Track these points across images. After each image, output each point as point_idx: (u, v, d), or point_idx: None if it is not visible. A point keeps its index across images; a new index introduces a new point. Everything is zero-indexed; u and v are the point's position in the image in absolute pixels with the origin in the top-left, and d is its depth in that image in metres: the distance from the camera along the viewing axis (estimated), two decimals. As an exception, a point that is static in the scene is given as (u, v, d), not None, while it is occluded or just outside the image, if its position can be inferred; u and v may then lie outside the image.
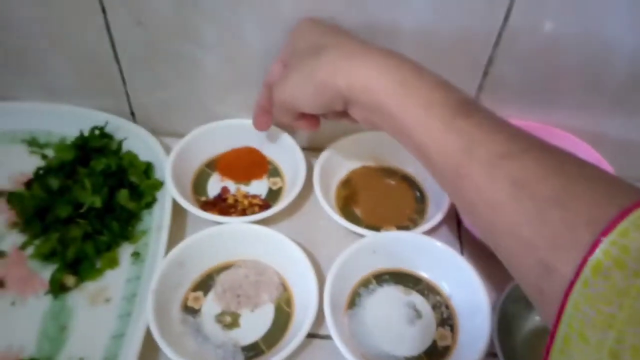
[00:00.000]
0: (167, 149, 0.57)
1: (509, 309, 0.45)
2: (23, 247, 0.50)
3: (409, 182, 0.58)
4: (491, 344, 0.43)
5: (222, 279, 0.49)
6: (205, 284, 0.49)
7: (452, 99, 0.35)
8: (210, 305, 0.47)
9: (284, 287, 0.49)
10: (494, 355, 0.43)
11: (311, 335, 0.46)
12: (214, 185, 0.57)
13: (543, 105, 0.55)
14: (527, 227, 0.28)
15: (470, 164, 0.32)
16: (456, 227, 0.55)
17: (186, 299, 0.48)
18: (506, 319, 0.44)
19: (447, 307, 0.48)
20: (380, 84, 0.36)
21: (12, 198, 0.52)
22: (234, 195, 0.56)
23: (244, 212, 0.54)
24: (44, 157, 0.57)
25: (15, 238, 0.51)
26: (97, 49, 0.54)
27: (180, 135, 0.57)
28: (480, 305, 0.44)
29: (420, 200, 0.56)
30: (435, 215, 0.52)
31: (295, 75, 0.41)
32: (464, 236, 0.54)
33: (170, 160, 0.54)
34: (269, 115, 0.51)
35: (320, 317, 0.44)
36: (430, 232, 0.51)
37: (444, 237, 0.54)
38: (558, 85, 0.53)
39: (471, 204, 0.32)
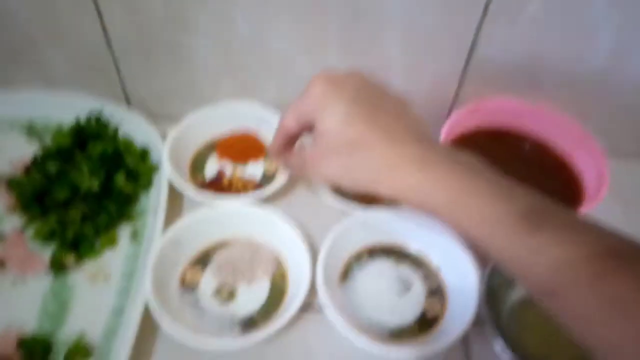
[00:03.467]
0: (163, 133, 0.58)
1: (496, 280, 0.46)
2: (23, 229, 0.51)
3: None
4: (478, 314, 0.44)
5: (218, 257, 0.50)
6: (202, 261, 0.50)
7: (515, 211, 0.32)
8: (208, 281, 0.49)
9: (279, 264, 0.50)
10: (482, 324, 0.45)
11: (305, 309, 0.47)
12: (212, 166, 0.58)
13: (528, 84, 0.56)
14: (631, 346, 0.27)
15: (556, 285, 0.30)
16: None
17: (184, 276, 0.49)
18: (493, 289, 0.46)
19: (436, 278, 0.49)
20: (429, 201, 0.35)
21: (12, 183, 0.53)
22: (229, 179, 0.57)
23: (237, 194, 0.55)
24: (42, 143, 0.58)
25: (14, 221, 0.52)
26: (91, 37, 0.55)
27: (176, 118, 0.58)
28: (468, 276, 0.46)
29: (411, 179, 0.58)
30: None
31: (329, 163, 0.39)
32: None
33: (167, 145, 0.55)
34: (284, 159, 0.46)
35: (314, 291, 0.45)
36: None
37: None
38: (542, 62, 0.54)
39: (564, 316, 0.31)
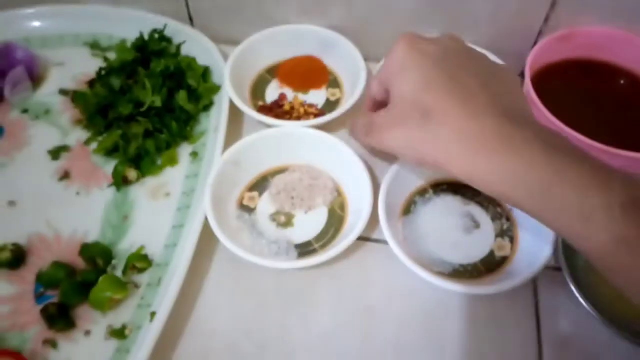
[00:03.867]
0: (225, 56, 0.56)
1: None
2: (87, 142, 0.52)
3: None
4: (555, 258, 0.41)
5: (276, 181, 0.49)
6: (260, 185, 0.49)
7: (614, 202, 0.27)
8: (265, 205, 0.48)
9: (338, 192, 0.48)
10: (557, 269, 0.42)
11: (364, 239, 0.45)
12: (272, 91, 0.57)
13: (634, 12, 0.50)
14: None
15: None
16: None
17: (242, 198, 0.48)
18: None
19: (508, 219, 0.46)
20: (511, 191, 0.30)
21: (77, 97, 0.54)
22: (290, 103, 0.55)
23: (299, 120, 0.53)
24: (106, 59, 0.58)
25: (79, 134, 0.53)
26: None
27: (238, 42, 0.56)
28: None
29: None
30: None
31: (395, 134, 0.35)
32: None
33: (229, 64, 0.54)
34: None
35: (373, 222, 0.43)
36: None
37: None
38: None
39: None
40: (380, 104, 0.39)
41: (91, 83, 0.55)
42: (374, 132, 0.38)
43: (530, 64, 0.48)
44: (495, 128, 0.30)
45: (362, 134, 0.40)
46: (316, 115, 0.53)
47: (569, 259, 0.41)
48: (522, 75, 0.53)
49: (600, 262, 0.28)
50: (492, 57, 0.53)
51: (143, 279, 0.43)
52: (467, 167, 0.31)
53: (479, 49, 0.53)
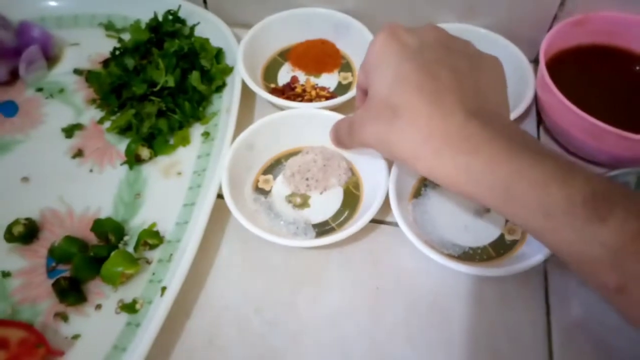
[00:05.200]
0: (238, 39, 0.56)
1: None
2: (101, 121, 0.52)
3: (487, 79, 0.55)
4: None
5: (290, 163, 0.49)
6: (274, 168, 0.49)
7: (575, 197, 0.27)
8: (280, 188, 0.48)
9: (352, 172, 0.48)
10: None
11: (375, 221, 0.45)
12: (284, 74, 0.57)
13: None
14: None
15: (626, 282, 0.26)
16: (536, 125, 0.52)
17: (257, 181, 0.48)
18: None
19: (520, 203, 0.46)
20: (475, 189, 0.30)
21: (91, 76, 0.54)
22: (302, 85, 0.55)
23: (310, 102, 0.53)
24: (120, 40, 0.58)
25: (93, 113, 0.53)
26: None
27: (250, 26, 0.56)
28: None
29: (498, 98, 0.53)
30: (512, 112, 0.49)
31: (369, 130, 0.35)
32: (543, 136, 0.51)
33: (242, 46, 0.54)
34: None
35: (384, 204, 0.43)
36: (506, 129, 0.48)
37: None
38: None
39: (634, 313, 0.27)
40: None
41: (105, 63, 0.55)
42: (354, 130, 0.38)
43: (545, 49, 0.48)
44: (461, 127, 0.30)
45: (345, 134, 0.41)
46: (327, 98, 0.53)
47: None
48: (536, 60, 0.52)
49: (563, 256, 0.29)
50: (505, 42, 0.53)
51: (154, 255, 0.43)
52: (432, 166, 0.31)
53: (492, 34, 0.53)
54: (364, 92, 0.39)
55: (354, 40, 0.56)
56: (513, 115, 0.48)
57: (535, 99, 0.50)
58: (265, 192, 0.48)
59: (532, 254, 0.41)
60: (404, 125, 0.32)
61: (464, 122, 0.30)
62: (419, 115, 0.31)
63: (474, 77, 0.33)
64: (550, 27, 0.53)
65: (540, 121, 0.52)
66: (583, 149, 0.47)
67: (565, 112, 0.44)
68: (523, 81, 0.51)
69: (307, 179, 0.48)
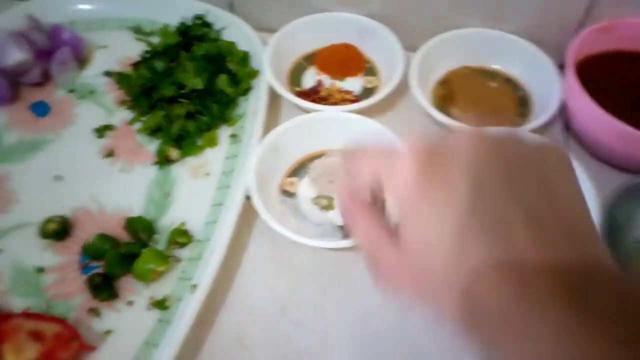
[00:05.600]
0: (264, 43, 0.57)
1: (617, 214, 0.42)
2: (131, 122, 0.53)
3: (512, 84, 0.55)
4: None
5: (315, 166, 0.50)
6: (299, 171, 0.50)
7: None
8: (306, 190, 0.49)
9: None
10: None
11: (401, 224, 0.46)
12: (309, 78, 0.57)
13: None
14: None
15: None
16: (564, 130, 0.52)
17: (282, 184, 0.49)
18: (613, 224, 0.42)
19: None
20: None
21: (121, 78, 0.55)
22: (327, 89, 0.56)
23: (335, 106, 0.54)
24: (149, 43, 0.59)
25: (124, 114, 0.54)
26: None
27: (276, 30, 0.57)
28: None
29: (524, 103, 0.53)
30: (538, 118, 0.49)
31: (424, 306, 0.24)
32: (570, 140, 0.51)
33: (269, 49, 0.54)
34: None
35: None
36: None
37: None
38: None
39: None
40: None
41: (135, 65, 0.56)
42: (388, 282, 0.26)
43: (572, 55, 0.48)
44: (559, 325, 0.19)
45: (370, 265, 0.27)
46: (352, 102, 0.54)
47: (612, 245, 0.40)
48: (562, 66, 0.52)
49: None
50: (532, 48, 0.53)
51: (184, 253, 0.44)
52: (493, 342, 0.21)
53: (518, 39, 0.53)
54: (357, 191, 0.28)
55: (379, 45, 0.57)
56: (539, 122, 0.48)
57: (562, 105, 0.50)
58: (291, 194, 0.48)
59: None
60: (478, 314, 0.22)
61: (564, 316, 0.19)
62: (497, 299, 0.21)
63: (549, 204, 0.22)
64: (576, 32, 0.53)
65: (567, 128, 0.53)
66: (612, 155, 0.47)
67: (595, 117, 0.44)
68: (550, 87, 0.51)
69: (331, 182, 0.48)
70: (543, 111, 0.50)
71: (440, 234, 0.22)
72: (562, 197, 0.23)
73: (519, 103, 0.53)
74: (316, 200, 0.48)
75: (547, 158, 0.24)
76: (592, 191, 0.42)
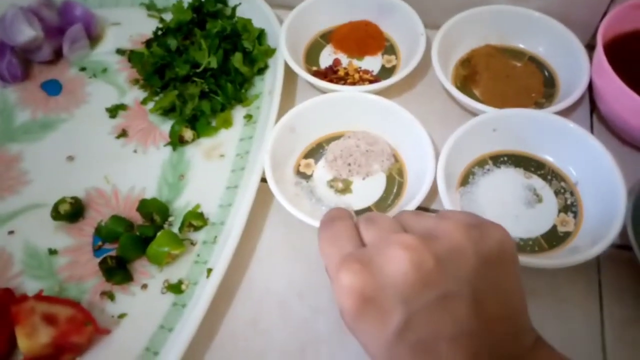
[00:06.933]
0: (280, 21, 0.55)
1: (646, 200, 0.40)
2: (144, 101, 0.52)
3: (538, 64, 0.53)
4: (623, 236, 0.39)
5: (332, 148, 0.48)
6: (316, 152, 0.48)
7: None
8: (322, 172, 0.47)
9: (395, 158, 0.47)
10: (625, 248, 0.40)
11: (421, 209, 0.44)
12: (327, 57, 0.56)
13: None
14: None
15: None
16: (589, 114, 0.50)
17: (298, 165, 0.48)
18: (641, 210, 0.40)
19: (572, 193, 0.44)
20: None
21: (133, 56, 0.54)
22: (345, 68, 0.54)
23: (353, 86, 0.52)
24: (162, 20, 0.58)
25: (136, 93, 0.53)
26: None
27: (292, 7, 0.55)
28: (614, 192, 0.40)
29: (550, 84, 0.51)
30: (565, 100, 0.47)
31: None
32: (596, 124, 0.49)
33: (285, 27, 0.53)
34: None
35: (430, 192, 0.42)
36: (559, 116, 0.47)
37: (573, 126, 0.49)
38: None
39: None
40: None
41: (148, 43, 0.55)
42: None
43: (603, 32, 0.46)
44: None
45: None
46: (371, 82, 0.52)
47: (637, 235, 0.39)
48: (589, 45, 0.50)
49: None
50: (559, 26, 0.51)
51: (198, 236, 0.43)
52: None
53: (545, 17, 0.51)
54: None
55: (399, 22, 0.55)
56: (566, 103, 0.46)
57: (589, 86, 0.48)
58: (306, 177, 0.47)
59: (586, 247, 0.39)
60: None
61: None
62: None
63: (478, 310, 0.25)
64: (606, 11, 0.51)
65: (593, 109, 0.50)
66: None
67: (624, 98, 0.42)
68: (577, 66, 0.49)
69: (349, 164, 0.47)
70: (569, 92, 0.48)
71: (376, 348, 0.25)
72: (499, 298, 0.26)
73: (545, 84, 0.51)
74: (332, 183, 0.47)
75: (490, 257, 0.26)
76: (619, 176, 0.41)
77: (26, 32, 0.52)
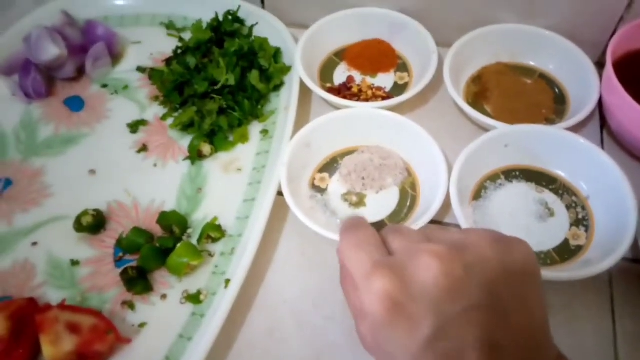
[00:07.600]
0: (294, 39, 0.57)
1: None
2: (164, 117, 0.54)
3: (548, 81, 0.54)
4: (634, 249, 0.40)
5: (346, 162, 0.49)
6: (330, 167, 0.50)
7: None
8: (336, 186, 0.48)
9: (408, 172, 0.48)
10: (637, 261, 0.41)
11: (434, 222, 0.45)
12: (340, 74, 0.57)
13: None
14: None
15: None
16: (599, 130, 0.51)
17: (313, 179, 0.49)
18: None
19: (584, 208, 0.45)
20: None
21: (154, 74, 0.56)
22: (358, 85, 0.55)
23: (367, 102, 0.53)
24: (181, 39, 0.60)
25: (156, 110, 0.55)
26: None
27: (307, 26, 0.57)
28: (624, 206, 0.41)
29: (560, 101, 0.52)
30: (576, 116, 0.48)
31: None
32: (606, 140, 0.50)
33: (300, 45, 0.54)
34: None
35: (443, 205, 0.43)
36: (569, 132, 0.47)
37: (583, 141, 0.50)
38: None
39: None
40: None
41: (167, 61, 0.57)
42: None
43: (612, 50, 0.47)
44: None
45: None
46: (384, 98, 0.53)
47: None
48: (599, 63, 0.51)
49: None
50: (568, 44, 0.52)
51: (216, 248, 0.44)
52: None
53: (554, 35, 0.52)
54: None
55: (411, 40, 0.56)
56: (577, 119, 0.47)
57: (599, 102, 0.49)
58: (321, 190, 0.48)
59: (597, 260, 0.40)
60: None
61: None
62: None
63: (504, 322, 0.25)
64: (615, 29, 0.52)
65: (603, 125, 0.51)
66: (651, 153, 0.46)
67: (634, 114, 0.43)
68: (587, 83, 0.50)
69: (363, 178, 0.48)
70: (579, 109, 0.49)
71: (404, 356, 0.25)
72: (523, 311, 0.26)
73: (555, 100, 0.52)
74: (346, 196, 0.48)
75: (512, 274, 0.26)
76: (630, 190, 0.41)
77: (51, 51, 0.54)
